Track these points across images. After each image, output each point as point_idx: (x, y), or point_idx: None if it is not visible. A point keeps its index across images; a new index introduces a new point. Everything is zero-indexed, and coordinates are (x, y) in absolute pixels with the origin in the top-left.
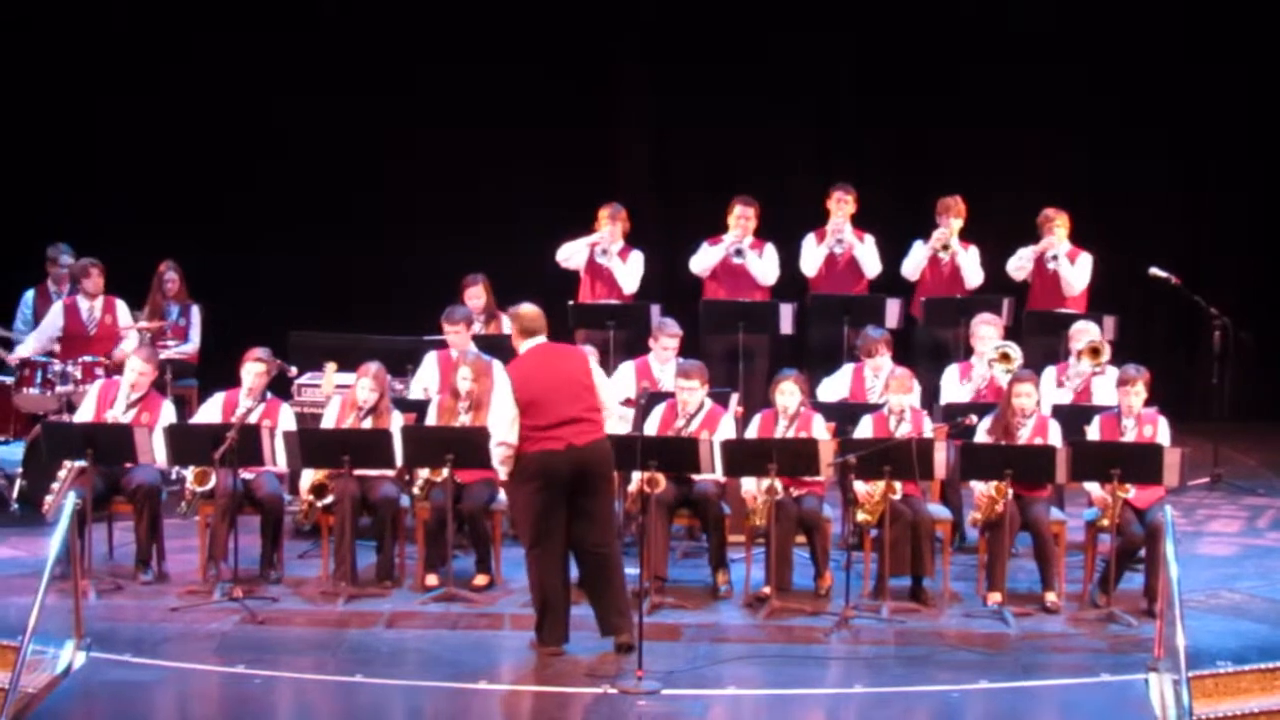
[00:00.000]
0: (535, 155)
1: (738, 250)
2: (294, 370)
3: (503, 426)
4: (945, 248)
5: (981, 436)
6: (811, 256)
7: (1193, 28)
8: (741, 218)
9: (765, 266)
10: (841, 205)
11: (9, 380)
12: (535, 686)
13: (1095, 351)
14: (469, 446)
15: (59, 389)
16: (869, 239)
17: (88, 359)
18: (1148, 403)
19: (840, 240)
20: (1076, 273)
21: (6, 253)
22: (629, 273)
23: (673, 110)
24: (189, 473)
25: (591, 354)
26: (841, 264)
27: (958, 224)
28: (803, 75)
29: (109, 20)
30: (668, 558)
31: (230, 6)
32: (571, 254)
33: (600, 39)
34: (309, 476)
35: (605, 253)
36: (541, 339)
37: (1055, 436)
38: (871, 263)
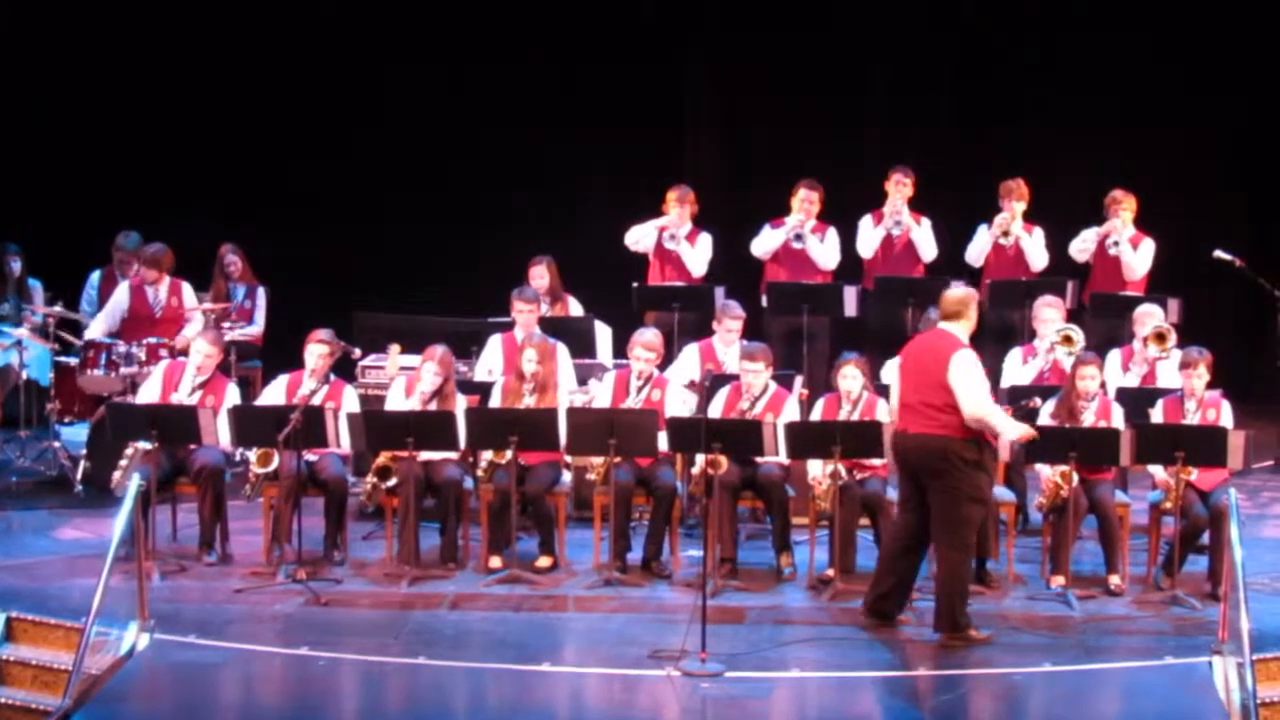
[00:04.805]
0: (604, 140)
1: (797, 235)
2: (358, 352)
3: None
4: (1006, 234)
5: (1045, 419)
6: (868, 238)
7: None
8: (805, 201)
9: (826, 251)
10: (900, 188)
11: (74, 362)
12: (599, 669)
13: (1161, 337)
14: (533, 428)
15: (123, 370)
16: (925, 222)
17: (152, 340)
18: (1210, 386)
19: (898, 222)
20: (1138, 258)
21: (74, 236)
22: (697, 256)
23: (739, 95)
24: (253, 454)
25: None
26: (899, 247)
27: (1020, 207)
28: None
29: (169, 5)
30: (734, 540)
31: None
32: (640, 237)
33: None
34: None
35: (674, 237)
36: (948, 324)
37: (1118, 419)
38: (928, 246)
